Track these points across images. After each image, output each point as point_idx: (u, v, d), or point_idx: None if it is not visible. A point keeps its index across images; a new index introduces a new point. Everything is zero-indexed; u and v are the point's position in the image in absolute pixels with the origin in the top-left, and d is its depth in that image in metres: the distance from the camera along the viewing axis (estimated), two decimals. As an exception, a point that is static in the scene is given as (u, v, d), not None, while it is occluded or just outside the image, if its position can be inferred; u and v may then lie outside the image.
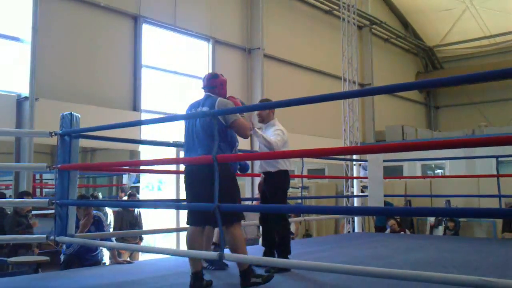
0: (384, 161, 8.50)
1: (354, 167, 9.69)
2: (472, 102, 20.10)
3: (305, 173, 14.33)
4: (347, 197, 11.41)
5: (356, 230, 9.36)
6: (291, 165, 4.87)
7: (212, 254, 3.55)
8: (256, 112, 5.03)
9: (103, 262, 7.35)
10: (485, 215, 6.99)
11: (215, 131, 3.72)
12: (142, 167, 8.59)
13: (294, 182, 13.14)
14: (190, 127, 4.05)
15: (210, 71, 11.51)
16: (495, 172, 7.70)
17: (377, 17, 16.94)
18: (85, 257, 5.83)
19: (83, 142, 8.55)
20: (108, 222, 8.12)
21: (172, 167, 8.31)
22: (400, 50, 19.60)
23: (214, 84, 4.21)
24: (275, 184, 4.71)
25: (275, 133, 4.68)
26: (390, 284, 3.87)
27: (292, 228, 10.26)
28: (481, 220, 10.83)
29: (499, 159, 7.66)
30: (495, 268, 4.74)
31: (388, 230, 9.34)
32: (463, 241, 8.01)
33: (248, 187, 11.86)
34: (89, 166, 8.01)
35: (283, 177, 4.72)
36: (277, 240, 4.72)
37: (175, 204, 7.26)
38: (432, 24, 19.54)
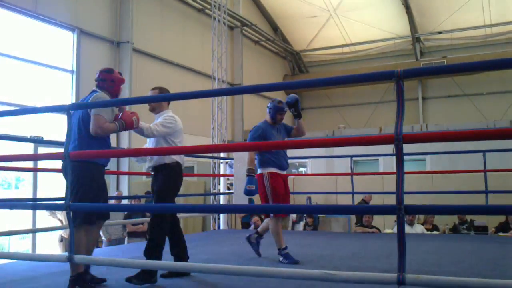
0: (250, 159, 8.73)
1: (221, 165, 9.82)
2: (333, 105, 21.41)
3: (174, 171, 14.29)
4: (214, 194, 11.51)
5: (222, 227, 9.48)
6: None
7: (61, 256, 3.37)
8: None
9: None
10: (343, 212, 7.48)
11: (81, 126, 3.79)
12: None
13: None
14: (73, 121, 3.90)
15: (75, 63, 10.91)
16: (350, 171, 8.27)
17: (248, 19, 17.32)
18: None
19: None
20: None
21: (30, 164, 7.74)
22: (270, 52, 20.26)
23: (104, 77, 4.08)
24: (170, 177, 4.26)
25: (164, 119, 4.30)
26: (246, 280, 3.96)
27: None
28: (338, 215, 11.57)
29: (354, 158, 8.25)
30: (345, 260, 5.07)
31: (252, 226, 9.58)
32: (321, 235, 8.47)
33: (113, 185, 11.45)
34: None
35: (176, 170, 4.30)
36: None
37: (30, 204, 6.77)
38: (300, 30, 20.47)
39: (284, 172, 5.18)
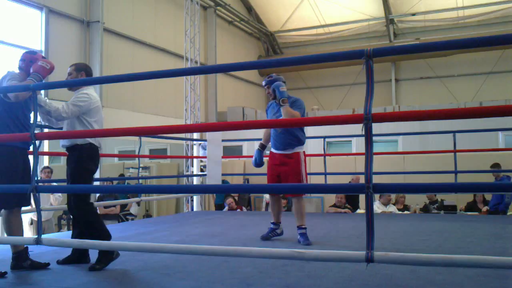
0: (224, 140, 8.69)
1: (195, 147, 9.76)
2: (307, 87, 21.43)
3: (146, 153, 14.22)
4: (187, 176, 11.47)
5: (195, 209, 9.46)
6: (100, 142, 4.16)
7: (29, 239, 3.31)
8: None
9: None
10: (311, 190, 7.52)
11: None
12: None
13: (135, 162, 12.86)
14: None
15: (43, 43, 10.64)
16: (323, 152, 8.31)
17: (222, -2, 17.15)
18: None
19: None
20: None
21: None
22: (244, 33, 20.11)
23: (22, 57, 3.99)
24: (80, 160, 3.91)
25: (76, 97, 3.95)
26: (219, 260, 3.96)
27: (134, 210, 10.06)
28: (310, 196, 11.66)
29: (327, 139, 8.29)
30: (316, 239, 5.11)
31: (226, 208, 9.59)
32: (293, 216, 8.52)
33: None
34: None
35: (89, 152, 3.97)
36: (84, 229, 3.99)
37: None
38: (274, 10, 20.34)
39: (278, 152, 5.03)
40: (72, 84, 4.11)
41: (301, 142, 5.02)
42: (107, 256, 3.84)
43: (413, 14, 18.85)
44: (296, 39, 21.72)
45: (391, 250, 2.71)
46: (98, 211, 8.11)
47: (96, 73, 11.50)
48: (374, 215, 2.61)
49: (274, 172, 5.04)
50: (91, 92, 4.09)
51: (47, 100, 4.00)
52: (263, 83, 5.17)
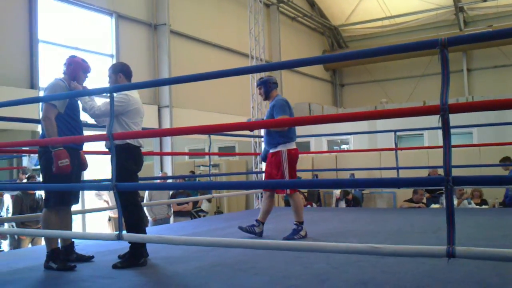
0: (292, 137, 8.68)
1: (262, 143, 9.79)
2: (374, 80, 21.00)
3: (216, 150, 14.47)
4: (256, 173, 11.55)
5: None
6: (142, 142, 4.19)
7: (111, 235, 3.45)
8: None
9: (1, 249, 6.96)
10: (389, 185, 7.35)
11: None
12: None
13: (205, 160, 13.13)
14: None
15: (114, 47, 11.09)
16: (394, 146, 8.10)
17: (284, -5, 17.12)
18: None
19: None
20: (5, 207, 7.67)
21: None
22: (307, 28, 19.98)
23: (66, 62, 4.13)
24: (119, 160, 3.71)
25: (116, 98, 3.87)
26: (292, 255, 3.96)
27: (205, 206, 10.25)
28: (382, 191, 11.42)
29: (398, 133, 8.07)
30: (390, 235, 5.01)
31: (296, 204, 9.56)
32: (365, 212, 8.40)
33: (157, 166, 11.65)
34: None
35: (127, 152, 4.00)
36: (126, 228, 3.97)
37: (79, 185, 6.95)
38: (337, 4, 20.08)
39: (270, 150, 5.13)
40: (133, 88, 4.18)
41: (283, 141, 4.98)
42: (133, 259, 3.90)
43: (484, 0, 17.99)
44: (361, 32, 21.33)
45: (471, 246, 2.60)
46: (147, 215, 8.34)
47: (164, 74, 11.83)
48: (454, 209, 2.51)
49: (265, 169, 5.19)
50: (131, 93, 4.12)
51: (88, 98, 4.07)
52: (256, 84, 5.28)
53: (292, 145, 5.03)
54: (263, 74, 13.70)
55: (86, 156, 4.41)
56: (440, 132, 2.59)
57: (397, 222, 6.19)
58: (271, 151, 5.06)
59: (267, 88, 5.15)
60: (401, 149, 8.84)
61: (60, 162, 3.78)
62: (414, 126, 8.46)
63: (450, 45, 2.61)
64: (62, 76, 4.13)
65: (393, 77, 20.64)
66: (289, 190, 5.01)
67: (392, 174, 8.88)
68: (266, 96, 5.17)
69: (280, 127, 4.89)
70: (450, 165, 2.52)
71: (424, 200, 8.84)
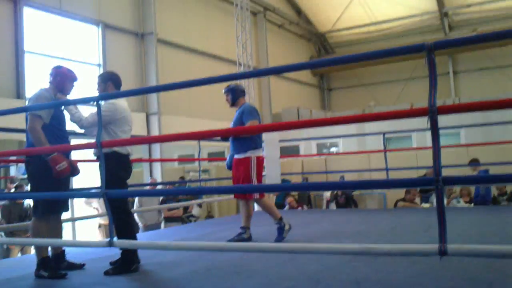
0: (281, 141, 8.70)
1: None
2: (362, 84, 21.14)
3: (205, 156, 14.43)
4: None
5: (256, 209, 9.49)
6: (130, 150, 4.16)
7: (102, 242, 3.43)
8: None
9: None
10: (381, 186, 7.39)
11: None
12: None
13: (194, 166, 13.10)
14: None
15: (101, 56, 11.06)
16: (383, 148, 8.16)
17: (271, 3, 17.17)
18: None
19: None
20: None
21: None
22: (294, 36, 20.07)
23: (52, 72, 4.10)
24: (108, 168, 3.60)
25: (103, 107, 3.83)
26: (285, 258, 3.97)
27: (196, 211, 10.22)
28: (372, 192, 11.47)
29: (386, 135, 8.14)
30: (382, 235, 5.03)
31: (287, 207, 9.59)
32: (356, 213, 8.43)
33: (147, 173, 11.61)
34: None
35: (115, 160, 3.97)
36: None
37: (67, 193, 6.90)
38: (324, 10, 20.20)
39: (235, 157, 5.15)
40: (121, 96, 4.16)
41: (252, 147, 5.02)
42: (125, 266, 3.88)
43: (469, 6, 18.22)
44: (347, 38, 21.49)
45: (462, 243, 2.62)
46: (139, 223, 8.32)
47: (152, 82, 11.82)
48: (445, 208, 2.53)
49: (233, 174, 5.19)
50: (118, 101, 4.09)
51: (75, 109, 4.09)
52: (223, 90, 5.31)
53: (260, 152, 5.11)
54: (250, 80, 13.77)
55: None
56: (428, 133, 2.62)
57: (389, 222, 6.22)
58: (239, 157, 5.06)
59: (234, 95, 5.22)
60: (390, 150, 8.91)
61: (58, 167, 3.77)
62: (402, 127, 8.53)
63: (437, 49, 2.64)
64: (48, 85, 4.10)
65: (380, 81, 20.80)
66: (260, 195, 5.06)
67: (381, 175, 8.92)
68: (233, 103, 5.25)
69: (258, 132, 4.99)
70: (440, 166, 2.55)
71: (417, 200, 8.89)
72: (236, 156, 5.09)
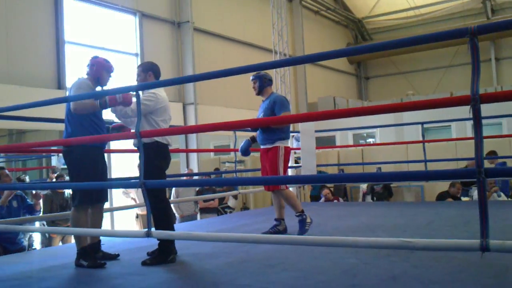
0: (316, 131, 8.60)
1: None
2: (400, 72, 20.73)
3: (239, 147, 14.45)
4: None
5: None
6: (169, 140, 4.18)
7: (140, 232, 3.47)
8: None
9: (33, 247, 7.09)
10: (406, 178, 7.24)
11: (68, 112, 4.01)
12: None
13: (230, 156, 13.15)
14: None
15: (138, 46, 11.18)
16: (421, 139, 7.98)
17: (307, -11, 17.00)
18: (8, 244, 5.60)
19: (9, 124, 8.19)
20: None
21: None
22: (331, 22, 19.81)
23: (89, 63, 4.17)
24: (148, 158, 3.74)
25: (144, 96, 3.97)
26: (320, 251, 3.93)
27: (232, 203, 10.27)
28: (410, 185, 11.26)
29: (425, 125, 7.94)
30: (420, 229, 4.93)
31: (323, 199, 9.52)
32: (393, 206, 8.30)
33: (183, 164, 11.72)
34: (6, 147, 7.63)
35: (155, 150, 4.01)
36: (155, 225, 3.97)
37: (106, 183, 7.04)
38: (361, -4, 19.88)
39: (261, 147, 5.13)
40: (158, 86, 4.17)
41: (281, 138, 4.98)
42: (162, 256, 3.92)
43: (513, -13, 17.58)
44: (385, 24, 21.07)
45: (505, 239, 2.53)
46: (175, 213, 8.39)
47: (188, 72, 11.89)
48: (487, 202, 2.44)
49: (262, 165, 5.17)
50: (159, 91, 4.13)
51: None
52: (250, 77, 5.25)
53: (287, 143, 5.09)
54: (286, 69, 13.67)
55: (114, 154, 4.45)
56: (468, 123, 2.53)
57: (427, 216, 6.09)
58: (266, 146, 5.03)
59: (262, 83, 5.17)
60: (429, 141, 8.70)
61: (118, 97, 3.82)
62: (441, 117, 8.31)
63: (480, 33, 2.53)
64: (85, 77, 4.17)
65: (419, 69, 20.34)
66: (281, 186, 5.00)
67: (419, 167, 8.74)
68: (259, 91, 5.20)
69: (293, 122, 4.94)
70: (482, 157, 2.45)
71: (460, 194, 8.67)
72: (263, 146, 5.07)
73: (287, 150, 5.06)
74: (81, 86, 4.04)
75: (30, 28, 9.07)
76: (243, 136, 14.71)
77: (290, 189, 5.22)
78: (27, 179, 9.31)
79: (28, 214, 6.32)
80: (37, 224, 6.99)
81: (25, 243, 6.38)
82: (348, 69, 21.05)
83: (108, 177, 4.97)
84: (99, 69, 4.13)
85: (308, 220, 4.92)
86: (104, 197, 4.22)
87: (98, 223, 4.18)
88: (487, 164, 8.51)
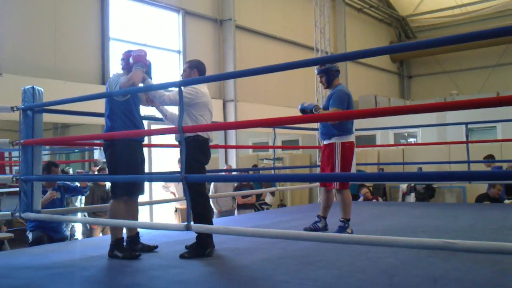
0: (357, 130, 8.51)
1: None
2: (444, 71, 20.26)
3: (279, 144, 14.47)
4: (319, 166, 11.45)
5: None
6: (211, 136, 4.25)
7: (180, 225, 3.52)
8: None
9: (75, 237, 7.30)
10: (451, 178, 7.07)
11: (112, 106, 4.07)
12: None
13: (269, 153, 13.18)
14: None
15: (181, 43, 11.33)
16: (465, 139, 7.78)
17: (350, -14, 16.82)
18: (52, 233, 5.78)
19: (54, 118, 8.45)
20: (79, 198, 8.03)
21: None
22: (374, 20, 19.54)
23: (122, 57, 4.24)
24: (189, 152, 3.75)
25: (185, 89, 3.97)
26: (359, 250, 3.90)
27: (269, 199, 10.29)
28: (451, 186, 11.01)
29: (469, 126, 7.75)
30: (461, 231, 4.81)
31: (361, 198, 9.42)
32: (434, 207, 8.13)
33: (222, 160, 11.81)
34: (52, 140, 7.86)
35: (197, 144, 4.04)
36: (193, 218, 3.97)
37: (146, 177, 7.17)
38: (405, -7, 19.52)
39: (323, 142, 4.99)
40: (198, 82, 4.21)
41: (338, 133, 4.80)
42: (200, 250, 3.95)
43: None
44: (430, 22, 20.62)
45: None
46: (212, 207, 8.44)
47: (230, 69, 11.96)
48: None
49: (321, 161, 5.06)
50: (200, 87, 4.16)
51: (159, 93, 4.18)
52: (316, 71, 5.06)
53: (348, 138, 4.84)
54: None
55: (155, 148, 4.53)
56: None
57: (468, 218, 5.94)
58: (325, 142, 4.93)
59: (329, 76, 4.93)
60: (473, 142, 8.47)
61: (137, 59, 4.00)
62: (486, 118, 8.08)
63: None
64: (121, 72, 4.24)
65: (464, 68, 19.81)
66: (338, 185, 4.81)
67: (462, 168, 8.53)
68: (328, 85, 4.97)
69: (342, 119, 4.73)
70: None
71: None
72: (323, 141, 4.99)
73: (347, 147, 4.83)
74: (120, 78, 4.11)
75: (77, 25, 9.32)
76: (282, 134, 14.69)
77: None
78: (71, 171, 9.59)
79: (78, 195, 6.55)
80: (79, 215, 7.20)
81: (67, 232, 6.57)
82: (390, 67, 20.72)
83: (149, 171, 5.05)
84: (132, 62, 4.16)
85: (349, 230, 4.78)
86: (140, 190, 4.30)
87: (135, 215, 4.27)
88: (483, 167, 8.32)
